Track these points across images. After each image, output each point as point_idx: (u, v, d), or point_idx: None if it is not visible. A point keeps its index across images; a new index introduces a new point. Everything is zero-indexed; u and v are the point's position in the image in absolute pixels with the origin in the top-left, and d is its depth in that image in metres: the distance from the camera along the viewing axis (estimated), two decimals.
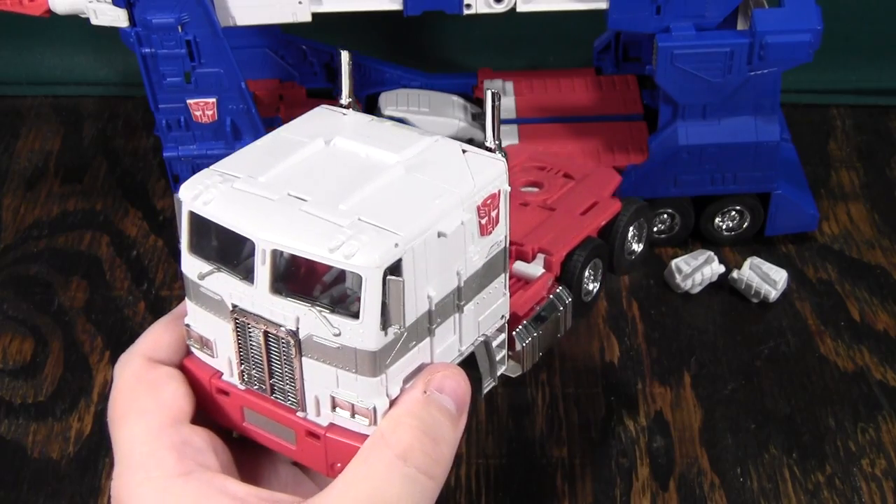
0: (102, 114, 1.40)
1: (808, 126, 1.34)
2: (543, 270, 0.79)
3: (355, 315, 0.60)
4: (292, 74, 1.29)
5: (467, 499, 0.95)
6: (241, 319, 0.64)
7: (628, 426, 1.01)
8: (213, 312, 0.66)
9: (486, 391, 0.72)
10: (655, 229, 1.16)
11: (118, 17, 1.04)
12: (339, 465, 0.64)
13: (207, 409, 0.69)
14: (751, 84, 1.06)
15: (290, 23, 1.09)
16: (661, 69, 1.05)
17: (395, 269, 0.60)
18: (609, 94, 1.25)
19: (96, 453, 1.00)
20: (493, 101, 0.67)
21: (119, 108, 1.41)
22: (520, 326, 0.75)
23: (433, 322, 0.65)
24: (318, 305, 0.61)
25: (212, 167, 0.66)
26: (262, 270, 0.62)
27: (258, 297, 0.63)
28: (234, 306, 0.64)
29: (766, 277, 1.10)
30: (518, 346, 0.75)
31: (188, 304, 0.68)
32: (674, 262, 1.12)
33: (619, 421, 1.01)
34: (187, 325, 0.68)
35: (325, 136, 0.68)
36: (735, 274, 1.12)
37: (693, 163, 1.11)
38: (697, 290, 1.12)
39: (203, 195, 0.64)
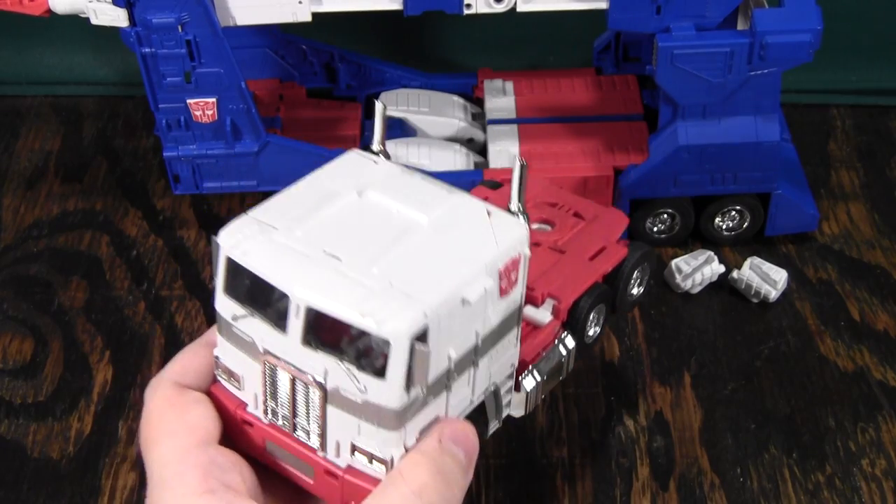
0: (102, 114, 1.40)
1: (808, 126, 1.33)
2: (551, 317, 0.80)
3: (380, 372, 0.63)
4: (292, 74, 1.29)
5: (467, 499, 0.95)
6: (271, 362, 0.67)
7: (628, 426, 1.01)
8: (244, 351, 0.68)
9: (490, 433, 0.74)
10: (655, 229, 1.16)
11: (118, 17, 1.04)
12: (353, 503, 0.67)
13: (231, 436, 0.71)
14: (751, 84, 1.06)
15: (290, 23, 1.09)
16: (661, 69, 1.05)
17: (422, 336, 0.62)
18: (609, 94, 1.24)
19: (96, 453, 1.00)
20: (522, 171, 0.69)
21: (119, 108, 1.41)
22: (526, 371, 0.77)
23: (451, 379, 0.67)
24: (347, 361, 0.63)
25: (250, 213, 0.68)
26: (296, 323, 0.64)
27: (290, 346, 0.65)
28: (266, 350, 0.66)
29: (766, 277, 1.10)
30: (523, 391, 0.77)
31: (219, 338, 0.70)
32: (674, 262, 1.12)
33: (619, 421, 1.01)
34: (216, 357, 0.71)
35: (358, 187, 0.70)
36: (735, 274, 1.12)
37: (693, 163, 1.11)
38: (697, 290, 1.12)
39: (242, 244, 0.66)
